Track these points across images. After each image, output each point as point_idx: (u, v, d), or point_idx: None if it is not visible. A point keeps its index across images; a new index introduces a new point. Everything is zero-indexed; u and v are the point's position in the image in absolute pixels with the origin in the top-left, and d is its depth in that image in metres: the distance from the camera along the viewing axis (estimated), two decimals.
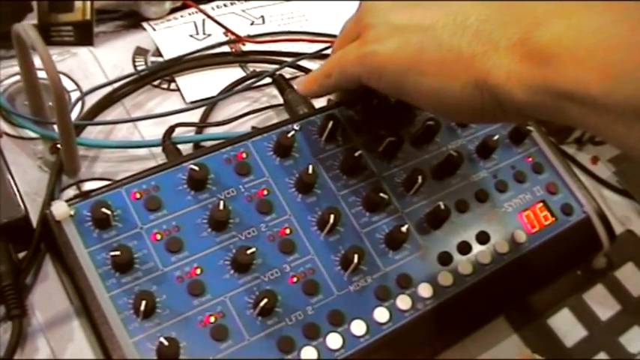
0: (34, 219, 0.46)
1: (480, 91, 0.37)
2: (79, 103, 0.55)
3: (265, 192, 0.46)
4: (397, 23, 0.40)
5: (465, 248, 0.49)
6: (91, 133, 0.54)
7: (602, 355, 0.53)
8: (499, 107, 0.37)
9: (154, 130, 0.54)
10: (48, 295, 0.46)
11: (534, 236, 0.52)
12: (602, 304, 0.56)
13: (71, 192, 0.51)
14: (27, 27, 0.40)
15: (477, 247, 0.50)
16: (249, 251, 0.42)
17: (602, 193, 0.64)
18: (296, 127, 0.49)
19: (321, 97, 0.51)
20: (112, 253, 0.40)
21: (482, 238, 0.50)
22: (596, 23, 0.33)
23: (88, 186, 0.52)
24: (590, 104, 0.32)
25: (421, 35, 0.39)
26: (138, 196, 0.44)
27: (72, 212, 0.42)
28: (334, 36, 0.63)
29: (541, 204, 0.54)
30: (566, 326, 0.54)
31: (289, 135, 0.47)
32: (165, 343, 0.39)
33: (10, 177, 0.46)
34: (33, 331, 0.45)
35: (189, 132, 0.55)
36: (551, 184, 0.55)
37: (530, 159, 0.56)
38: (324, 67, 0.47)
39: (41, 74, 0.50)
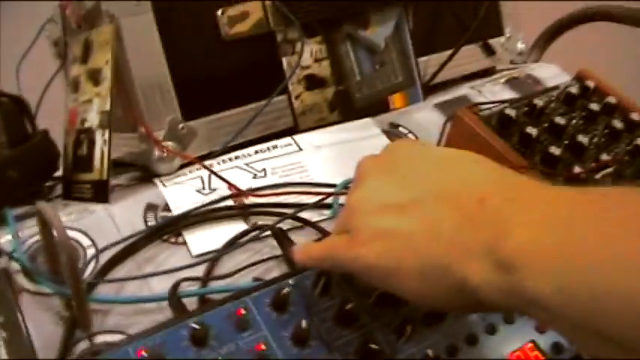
0: None
1: (460, 293, 0.41)
2: (94, 260, 0.59)
3: (263, 346, 0.49)
4: (379, 228, 0.44)
5: None
6: (104, 287, 0.58)
7: None
8: (480, 305, 0.40)
9: (163, 283, 0.58)
10: None
11: None
12: None
13: (84, 345, 0.55)
14: (46, 206, 0.45)
15: None
16: None
17: None
18: (291, 282, 0.53)
19: None
20: None
21: None
22: (551, 240, 0.36)
23: (100, 338, 0.55)
24: (550, 313, 0.36)
25: (401, 243, 0.43)
26: (144, 353, 0.47)
27: None
28: (332, 186, 0.69)
29: (531, 344, 0.56)
30: None
31: (284, 291, 0.51)
32: None
33: (26, 334, 0.50)
34: None
35: (195, 285, 0.58)
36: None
37: None
38: (320, 252, 0.51)
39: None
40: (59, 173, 0.73)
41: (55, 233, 0.45)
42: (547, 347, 0.56)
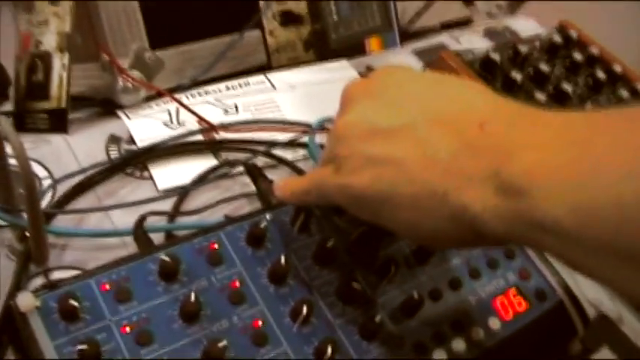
0: None
1: (457, 224, 0.37)
2: (51, 191, 0.55)
3: (237, 283, 0.46)
4: (369, 154, 0.40)
5: (440, 337, 0.49)
6: (62, 220, 0.54)
7: None
8: (478, 237, 0.37)
9: (126, 218, 0.54)
10: None
11: (509, 323, 0.52)
12: None
13: (39, 281, 0.50)
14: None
15: (452, 336, 0.49)
16: (220, 344, 0.41)
17: (574, 276, 0.64)
18: (268, 217, 0.49)
19: None
20: (79, 347, 0.39)
21: (457, 326, 0.50)
22: (565, 158, 0.33)
23: (56, 275, 0.51)
24: (563, 237, 0.32)
25: (393, 169, 0.39)
26: (107, 287, 0.43)
27: (38, 303, 0.41)
28: (306, 125, 0.65)
29: (514, 289, 0.54)
30: None
31: (261, 225, 0.47)
32: None
33: None
34: None
35: (161, 220, 0.54)
36: (523, 269, 0.55)
37: None
38: (304, 184, 0.47)
39: (11, 161, 0.50)
40: (9, 107, 0.67)
41: (10, 149, 0.40)
42: (530, 293, 0.54)
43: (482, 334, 0.50)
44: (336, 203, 0.44)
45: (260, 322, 0.45)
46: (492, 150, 0.36)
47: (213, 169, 0.59)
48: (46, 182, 0.56)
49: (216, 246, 0.47)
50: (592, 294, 0.63)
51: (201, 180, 0.58)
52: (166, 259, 0.43)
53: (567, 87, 0.69)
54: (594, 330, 0.58)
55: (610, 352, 0.59)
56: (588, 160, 0.32)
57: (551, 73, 0.71)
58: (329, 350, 0.43)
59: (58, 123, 0.61)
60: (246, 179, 0.59)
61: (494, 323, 0.51)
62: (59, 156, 0.58)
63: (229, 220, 0.49)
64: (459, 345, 0.49)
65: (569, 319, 0.55)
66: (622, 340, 0.60)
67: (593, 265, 0.33)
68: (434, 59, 0.72)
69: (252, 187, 0.57)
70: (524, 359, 0.52)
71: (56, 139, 0.60)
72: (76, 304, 0.40)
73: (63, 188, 0.55)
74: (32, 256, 0.49)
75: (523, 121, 0.37)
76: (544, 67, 0.70)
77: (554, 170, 0.33)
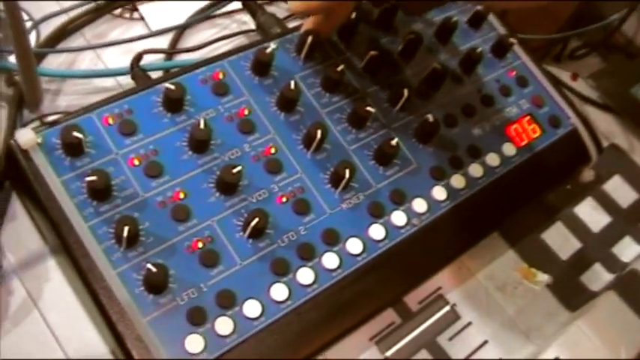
0: None
1: None
2: (34, 33, 0.51)
3: (246, 111, 0.43)
4: None
5: (456, 162, 0.47)
6: (51, 65, 0.50)
7: (597, 266, 0.52)
8: None
9: (120, 61, 0.51)
10: (18, 235, 0.43)
11: (524, 149, 0.50)
12: (593, 216, 0.55)
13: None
14: None
15: (468, 161, 0.48)
16: (234, 170, 0.39)
17: (585, 109, 0.63)
18: (273, 44, 0.46)
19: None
20: (88, 179, 0.37)
21: (473, 152, 0.48)
22: None
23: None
24: None
25: None
26: (110, 121, 0.41)
27: (39, 140, 0.38)
28: None
29: (528, 117, 0.52)
30: (560, 240, 0.53)
31: (267, 51, 0.44)
32: (154, 269, 0.36)
33: None
34: (5, 274, 0.42)
35: (158, 60, 0.51)
36: (537, 96, 0.54)
37: (514, 72, 0.54)
38: None
39: None
40: None
41: None
42: (544, 120, 0.52)
43: (498, 159, 0.49)
44: None
45: (273, 150, 0.43)
46: None
47: (209, 6, 0.55)
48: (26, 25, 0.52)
49: (221, 76, 0.44)
50: (604, 126, 0.62)
51: (199, 16, 0.54)
52: (171, 87, 0.41)
53: None
54: (606, 159, 0.58)
55: (621, 180, 0.59)
56: None
57: None
58: (346, 174, 0.42)
59: None
60: (244, 17, 0.55)
61: (509, 149, 0.50)
62: None
63: (233, 50, 0.46)
64: (475, 170, 0.48)
65: (583, 146, 0.53)
66: (633, 169, 0.60)
67: None
68: None
69: (251, 25, 0.54)
70: (539, 184, 0.51)
71: None
72: (80, 135, 0.38)
73: (45, 32, 0.52)
74: (25, 100, 0.47)
75: None
76: None
77: None
